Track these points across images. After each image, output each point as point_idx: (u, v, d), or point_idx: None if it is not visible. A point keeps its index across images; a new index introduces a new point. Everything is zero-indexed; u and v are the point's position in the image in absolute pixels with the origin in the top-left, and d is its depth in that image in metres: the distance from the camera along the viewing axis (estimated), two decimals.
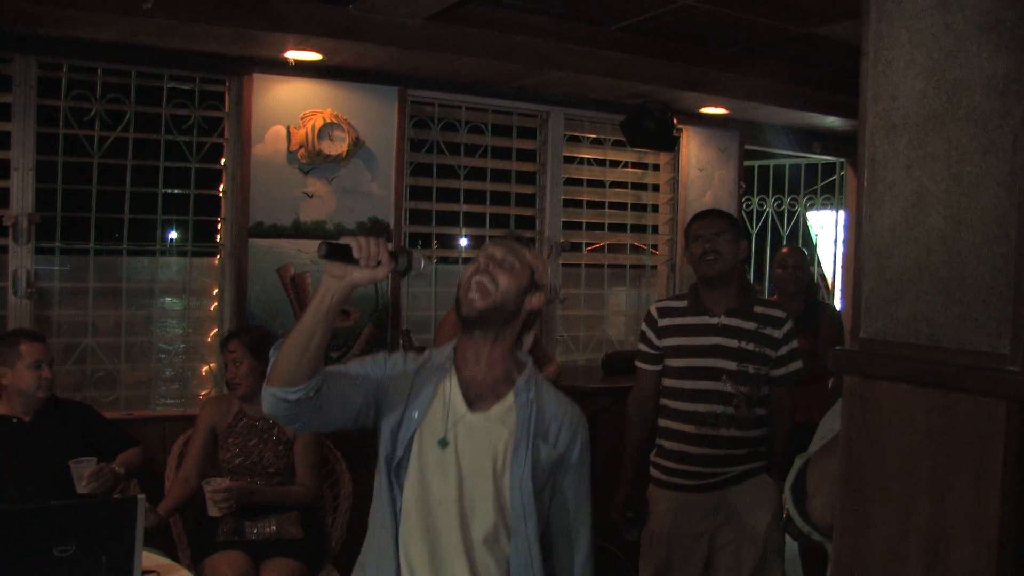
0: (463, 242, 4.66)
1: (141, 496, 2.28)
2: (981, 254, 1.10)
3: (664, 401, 2.99)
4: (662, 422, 3.00)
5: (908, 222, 1.17)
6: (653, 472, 3.03)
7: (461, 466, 1.89)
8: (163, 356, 3.82)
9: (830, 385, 3.10)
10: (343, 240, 1.73)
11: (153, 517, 2.88)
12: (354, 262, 1.72)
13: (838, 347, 1.27)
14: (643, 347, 3.08)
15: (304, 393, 1.77)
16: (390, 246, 1.77)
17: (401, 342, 3.94)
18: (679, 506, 2.94)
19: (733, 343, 2.87)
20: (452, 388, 1.94)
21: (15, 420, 2.97)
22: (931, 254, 1.15)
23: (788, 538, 3.06)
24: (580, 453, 1.99)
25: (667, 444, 2.98)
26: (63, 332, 3.55)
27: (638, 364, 3.11)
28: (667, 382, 2.98)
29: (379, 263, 1.73)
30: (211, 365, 3.79)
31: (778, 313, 2.94)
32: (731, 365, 2.86)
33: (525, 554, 1.90)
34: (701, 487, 2.91)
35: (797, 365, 2.96)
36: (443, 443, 1.89)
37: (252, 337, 3.23)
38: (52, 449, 2.95)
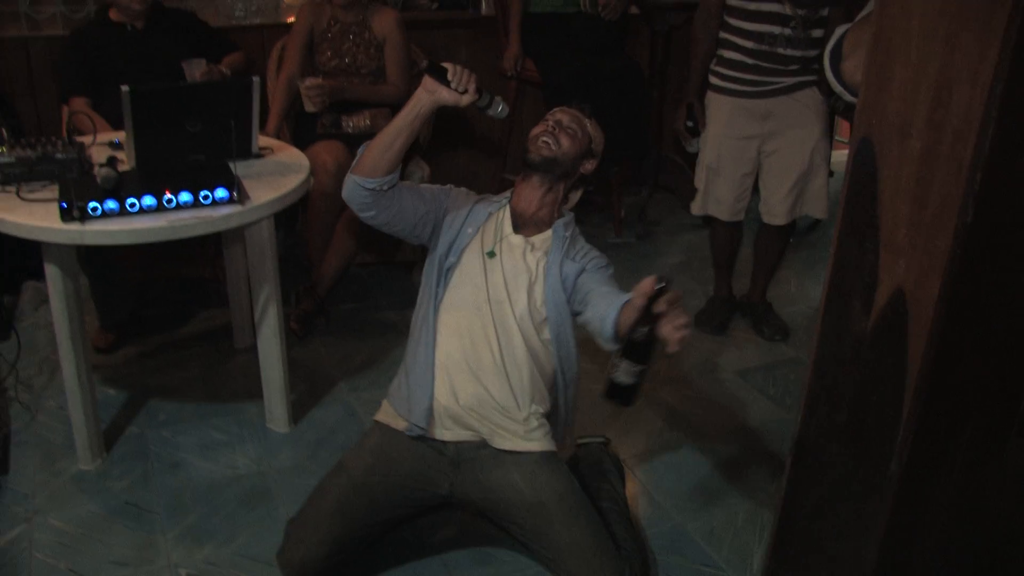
0: None
1: (256, 78, 2.56)
2: None
3: (728, 19, 3.10)
4: (723, 35, 3.13)
5: None
6: (712, 79, 3.22)
7: (505, 275, 2.15)
8: None
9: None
10: (444, 64, 1.97)
11: None
12: (447, 83, 1.97)
13: None
14: None
15: (379, 185, 2.06)
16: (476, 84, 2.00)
17: None
18: (732, 109, 3.16)
19: None
20: (504, 216, 2.21)
21: (129, 27, 3.21)
22: None
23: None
24: (602, 264, 2.19)
25: (726, 54, 3.13)
26: None
27: None
28: (732, 2, 3.07)
29: (466, 91, 1.98)
30: None
31: None
32: None
33: (558, 350, 2.18)
34: (754, 93, 3.10)
35: None
36: (491, 254, 2.16)
37: None
38: (165, 52, 3.19)
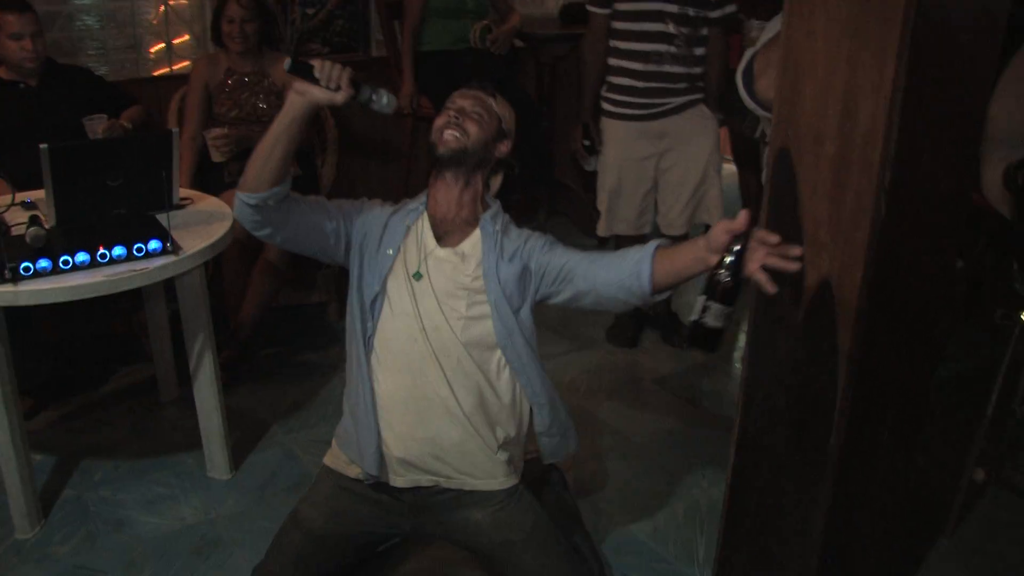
0: None
1: (175, 130, 2.59)
2: None
3: (614, 43, 3.30)
4: (612, 61, 3.32)
5: None
6: (604, 106, 3.40)
7: (438, 297, 1.97)
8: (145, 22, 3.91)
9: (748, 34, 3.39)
10: (311, 60, 1.81)
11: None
12: (316, 81, 1.80)
13: None
14: None
15: (262, 200, 1.88)
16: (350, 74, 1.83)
17: None
18: (627, 133, 3.35)
19: None
20: (424, 227, 2.02)
21: (22, 85, 3.16)
22: None
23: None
24: (548, 243, 2.03)
25: (616, 80, 3.32)
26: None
27: (590, 8, 3.38)
28: (617, 25, 3.27)
29: (339, 88, 1.80)
30: (193, 28, 3.91)
31: None
32: (672, 8, 3.15)
33: (518, 364, 2.00)
34: (647, 116, 3.30)
35: (732, 9, 3.28)
36: (417, 276, 1.98)
37: None
38: (62, 109, 3.15)
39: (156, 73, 3.83)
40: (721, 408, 3.11)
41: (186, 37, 3.89)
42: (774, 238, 1.58)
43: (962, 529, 2.47)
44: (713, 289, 1.67)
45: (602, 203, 3.46)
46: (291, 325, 3.64)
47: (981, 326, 3.41)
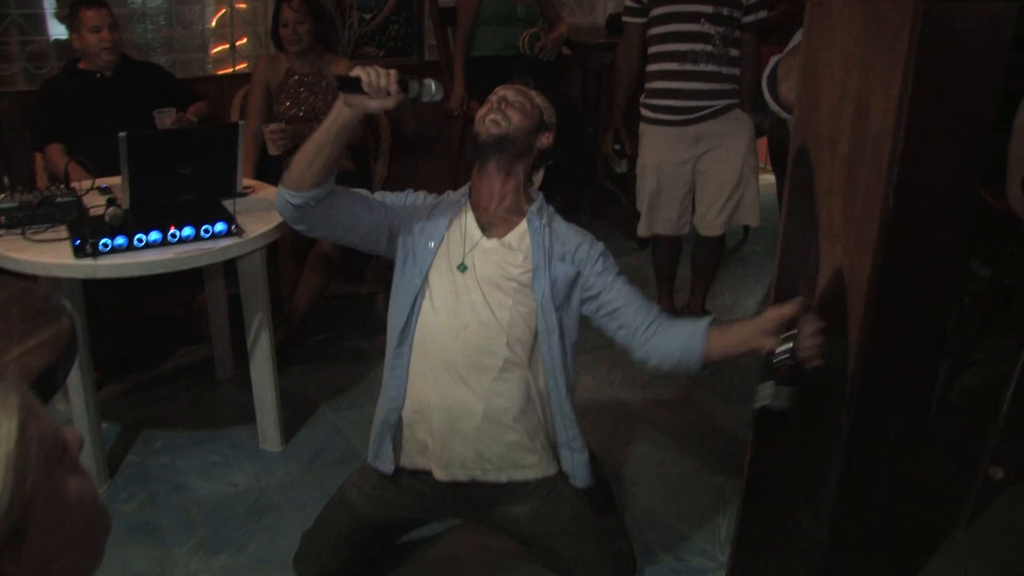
0: None
1: (241, 122, 2.78)
2: None
3: (652, 49, 3.44)
4: (650, 67, 3.45)
5: None
6: (644, 112, 3.53)
7: (483, 289, 1.98)
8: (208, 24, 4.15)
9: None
10: (354, 72, 1.79)
11: None
12: (365, 93, 1.79)
13: None
14: (629, 3, 3.49)
15: (305, 200, 1.91)
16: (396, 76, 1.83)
17: None
18: (666, 138, 3.47)
19: None
20: (468, 219, 2.03)
21: (98, 75, 3.39)
22: None
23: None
24: (603, 262, 2.05)
25: (655, 84, 3.45)
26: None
27: (625, 19, 3.53)
28: (653, 31, 3.41)
29: (388, 94, 1.80)
30: (258, 29, 4.14)
31: None
32: (707, 8, 3.28)
33: (550, 364, 2.03)
34: (685, 121, 3.43)
35: (763, 14, 3.41)
36: (462, 267, 1.99)
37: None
38: (134, 100, 3.37)
39: (219, 72, 4.05)
40: (749, 403, 3.22)
41: (245, 40, 4.11)
42: (821, 323, 1.70)
43: (978, 523, 2.56)
44: (776, 374, 1.74)
45: (642, 205, 3.59)
46: (340, 314, 3.82)
47: (1011, 334, 3.49)
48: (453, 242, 2.03)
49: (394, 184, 4.03)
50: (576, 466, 2.13)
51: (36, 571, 0.64)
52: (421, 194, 2.15)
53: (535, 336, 2.02)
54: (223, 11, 4.02)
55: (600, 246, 2.10)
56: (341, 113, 1.85)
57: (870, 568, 2.10)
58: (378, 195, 2.11)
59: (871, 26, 1.62)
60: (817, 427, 1.90)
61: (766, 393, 1.75)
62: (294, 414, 3.05)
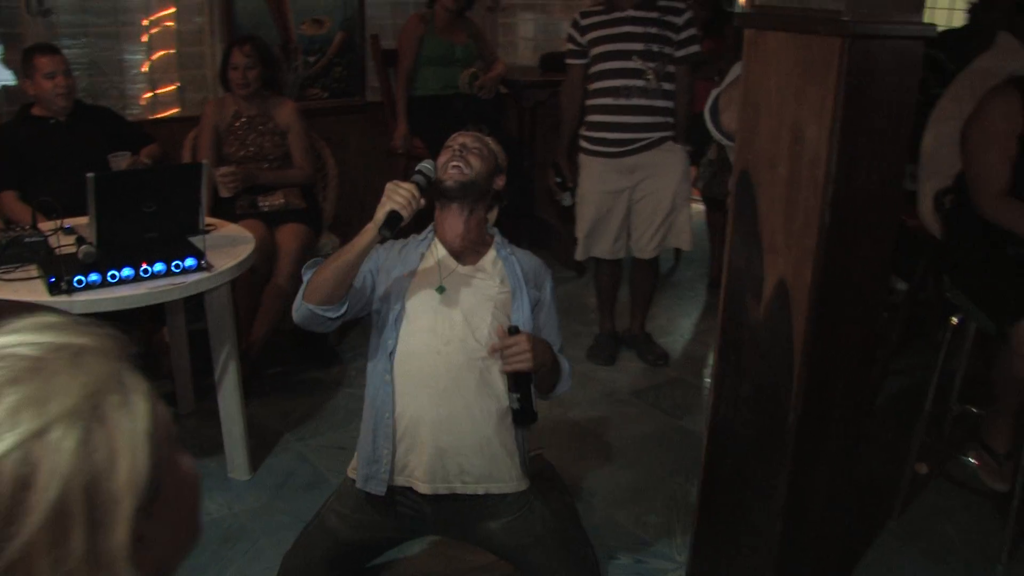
0: None
1: (204, 162, 2.87)
2: None
3: (591, 85, 3.66)
4: (589, 102, 3.68)
5: None
6: (582, 143, 3.75)
7: (463, 308, 2.12)
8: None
9: (715, 80, 3.76)
10: (389, 208, 1.99)
11: None
12: (403, 219, 2.00)
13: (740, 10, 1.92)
14: (570, 46, 3.73)
15: (341, 310, 2.09)
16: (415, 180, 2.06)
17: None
18: (604, 168, 3.69)
19: (639, 29, 3.52)
20: (439, 250, 2.19)
21: (52, 121, 3.44)
22: None
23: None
24: (550, 292, 2.28)
25: (593, 118, 3.67)
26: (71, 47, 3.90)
27: (567, 61, 3.76)
28: (592, 70, 3.64)
29: (419, 203, 2.02)
30: (205, 71, 4.22)
31: (678, 4, 3.59)
32: (639, 46, 3.53)
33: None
34: (621, 153, 3.65)
35: (695, 48, 3.65)
36: (440, 289, 2.14)
37: (262, 44, 3.71)
38: (88, 144, 3.42)
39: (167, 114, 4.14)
40: (693, 417, 3.42)
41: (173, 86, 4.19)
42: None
43: (909, 513, 2.78)
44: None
45: (581, 231, 3.79)
46: (294, 346, 3.90)
47: (927, 344, 3.76)
48: (429, 270, 2.18)
49: (343, 217, 4.17)
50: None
51: (163, 536, 0.75)
52: (388, 244, 2.28)
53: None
54: (154, 57, 4.09)
55: (549, 270, 2.32)
56: (370, 232, 2.01)
57: (818, 557, 2.28)
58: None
59: (803, 60, 1.83)
60: (764, 427, 2.08)
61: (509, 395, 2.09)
62: (259, 444, 3.12)
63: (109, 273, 2.47)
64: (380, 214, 2.00)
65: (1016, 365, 2.42)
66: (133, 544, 0.67)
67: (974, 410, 2.84)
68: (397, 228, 1.99)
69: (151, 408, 0.73)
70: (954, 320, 2.64)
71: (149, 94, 4.14)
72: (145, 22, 4.06)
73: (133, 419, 0.69)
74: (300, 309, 2.11)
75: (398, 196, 1.99)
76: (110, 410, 0.68)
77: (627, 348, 4.00)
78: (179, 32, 4.15)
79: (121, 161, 3.39)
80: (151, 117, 4.12)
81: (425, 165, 2.12)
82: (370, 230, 2.00)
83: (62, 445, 0.64)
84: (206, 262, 2.60)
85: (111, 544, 0.66)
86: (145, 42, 4.09)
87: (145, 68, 4.11)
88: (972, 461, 2.69)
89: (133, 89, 4.12)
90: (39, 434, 0.64)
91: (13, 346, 0.68)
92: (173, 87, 4.16)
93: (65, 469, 0.64)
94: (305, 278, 2.12)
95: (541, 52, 5.10)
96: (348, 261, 2.02)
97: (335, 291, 2.05)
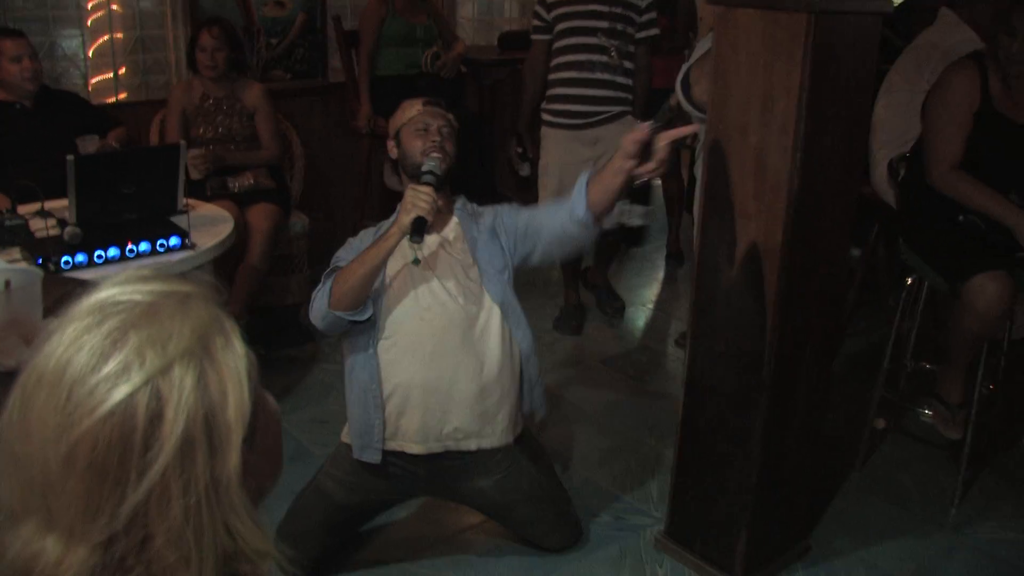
0: None
1: (183, 142, 2.91)
2: None
3: (554, 60, 3.76)
4: (552, 76, 3.78)
5: None
6: (545, 116, 3.84)
7: (438, 274, 2.25)
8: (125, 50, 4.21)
9: (685, 55, 3.86)
10: (415, 214, 2.08)
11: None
12: (428, 218, 2.12)
13: None
14: (536, 22, 3.81)
15: (369, 309, 2.17)
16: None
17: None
18: (566, 140, 3.79)
19: (604, 8, 3.63)
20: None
21: (18, 106, 3.43)
22: None
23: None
24: (508, 208, 2.40)
25: (555, 91, 3.77)
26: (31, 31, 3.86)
27: (533, 36, 3.84)
28: (557, 44, 3.73)
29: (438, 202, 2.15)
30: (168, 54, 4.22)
31: None
32: (603, 24, 3.63)
33: (514, 316, 2.31)
34: (583, 125, 3.75)
35: (655, 31, 3.78)
36: (416, 261, 2.25)
37: (230, 27, 3.74)
38: (55, 129, 3.42)
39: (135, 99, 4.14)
40: (660, 381, 3.55)
41: (124, 69, 4.18)
42: (670, 140, 1.98)
43: (869, 465, 2.94)
44: (634, 196, 2.05)
45: (543, 202, 3.89)
46: (268, 324, 3.94)
47: (880, 308, 3.94)
48: (402, 246, 2.23)
49: (309, 197, 4.22)
50: (540, 400, 2.44)
51: (261, 464, 0.83)
52: (369, 230, 2.39)
53: (492, 302, 2.28)
54: (101, 40, 4.07)
55: (500, 206, 2.43)
56: (392, 238, 2.11)
57: (790, 507, 2.42)
58: (341, 259, 2.29)
59: (772, 35, 1.94)
60: (739, 381, 2.20)
61: (623, 210, 2.07)
62: None
63: (96, 253, 2.51)
64: (406, 220, 2.10)
65: (967, 321, 2.57)
66: (243, 470, 0.75)
67: (928, 366, 3.01)
68: (424, 231, 2.10)
69: (247, 349, 0.81)
70: (908, 280, 2.79)
71: (109, 75, 4.12)
72: (100, 5, 4.05)
73: (236, 358, 0.77)
74: (327, 317, 2.18)
75: (422, 202, 2.10)
76: (217, 350, 0.76)
77: (593, 319, 4.12)
78: (140, 14, 4.14)
79: (89, 144, 3.39)
80: (110, 100, 4.10)
81: (430, 164, 2.24)
82: (394, 234, 2.10)
83: (184, 382, 0.72)
84: (190, 241, 2.65)
85: (227, 469, 0.74)
86: (104, 24, 4.07)
87: (105, 52, 4.10)
88: (927, 413, 2.85)
89: (92, 72, 4.11)
90: (164, 371, 0.72)
91: (127, 294, 0.76)
92: (131, 70, 4.15)
93: (189, 403, 0.72)
94: (325, 287, 2.19)
95: (500, 31, 5.17)
96: (375, 267, 2.13)
97: (361, 295, 2.14)
